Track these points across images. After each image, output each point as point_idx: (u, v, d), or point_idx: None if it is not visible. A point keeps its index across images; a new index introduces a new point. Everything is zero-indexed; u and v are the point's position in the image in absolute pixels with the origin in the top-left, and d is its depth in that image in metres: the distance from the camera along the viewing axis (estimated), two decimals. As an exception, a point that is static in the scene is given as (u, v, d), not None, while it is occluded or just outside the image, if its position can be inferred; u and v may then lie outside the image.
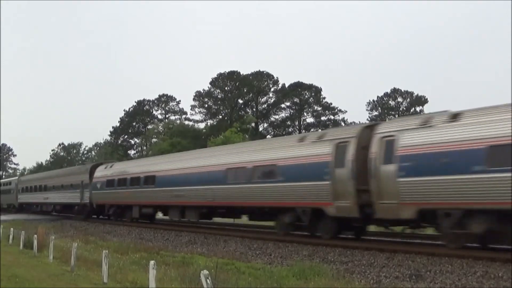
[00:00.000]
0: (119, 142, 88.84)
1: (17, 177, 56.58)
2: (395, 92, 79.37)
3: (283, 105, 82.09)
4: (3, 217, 35.16)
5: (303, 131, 74.55)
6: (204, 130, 69.93)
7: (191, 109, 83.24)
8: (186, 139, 58.42)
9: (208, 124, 77.79)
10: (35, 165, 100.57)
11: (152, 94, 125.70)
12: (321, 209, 15.42)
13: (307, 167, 15.95)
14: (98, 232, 24.92)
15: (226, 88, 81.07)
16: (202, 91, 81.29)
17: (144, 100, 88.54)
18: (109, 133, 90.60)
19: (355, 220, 15.22)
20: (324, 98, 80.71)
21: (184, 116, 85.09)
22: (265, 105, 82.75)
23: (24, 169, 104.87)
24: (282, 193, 17.00)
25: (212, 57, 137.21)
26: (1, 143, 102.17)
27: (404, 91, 78.92)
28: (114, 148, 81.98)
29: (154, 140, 73.96)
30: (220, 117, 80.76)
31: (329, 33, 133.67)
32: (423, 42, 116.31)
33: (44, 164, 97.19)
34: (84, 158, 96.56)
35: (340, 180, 14.64)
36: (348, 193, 14.42)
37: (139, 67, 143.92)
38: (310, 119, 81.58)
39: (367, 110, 79.68)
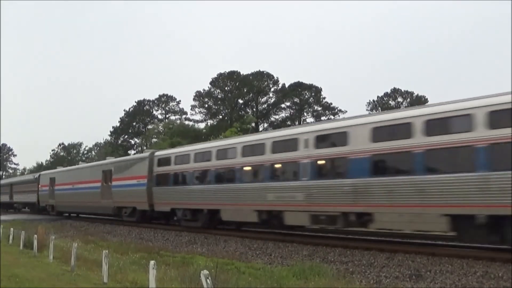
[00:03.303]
0: (119, 142, 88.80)
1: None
2: (395, 92, 79.32)
3: (283, 105, 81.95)
4: (3, 217, 35.15)
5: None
6: (204, 130, 69.74)
7: (191, 109, 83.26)
8: (186, 139, 58.22)
9: (208, 124, 77.72)
10: (35, 165, 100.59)
11: (152, 94, 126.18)
12: None
13: None
14: (98, 232, 24.89)
15: (226, 88, 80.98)
16: (202, 91, 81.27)
17: (144, 100, 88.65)
18: (109, 133, 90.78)
19: None
20: (324, 98, 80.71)
21: (184, 116, 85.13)
22: (265, 105, 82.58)
23: (24, 169, 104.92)
24: None
25: (212, 57, 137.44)
26: (1, 143, 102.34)
27: (404, 91, 78.88)
28: (114, 148, 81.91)
29: (154, 140, 73.81)
30: (220, 117, 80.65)
31: (329, 33, 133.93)
32: (424, 42, 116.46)
33: (44, 164, 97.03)
34: (84, 158, 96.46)
35: None
36: None
37: (139, 67, 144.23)
38: (310, 119, 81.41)
39: (367, 110, 79.56)
